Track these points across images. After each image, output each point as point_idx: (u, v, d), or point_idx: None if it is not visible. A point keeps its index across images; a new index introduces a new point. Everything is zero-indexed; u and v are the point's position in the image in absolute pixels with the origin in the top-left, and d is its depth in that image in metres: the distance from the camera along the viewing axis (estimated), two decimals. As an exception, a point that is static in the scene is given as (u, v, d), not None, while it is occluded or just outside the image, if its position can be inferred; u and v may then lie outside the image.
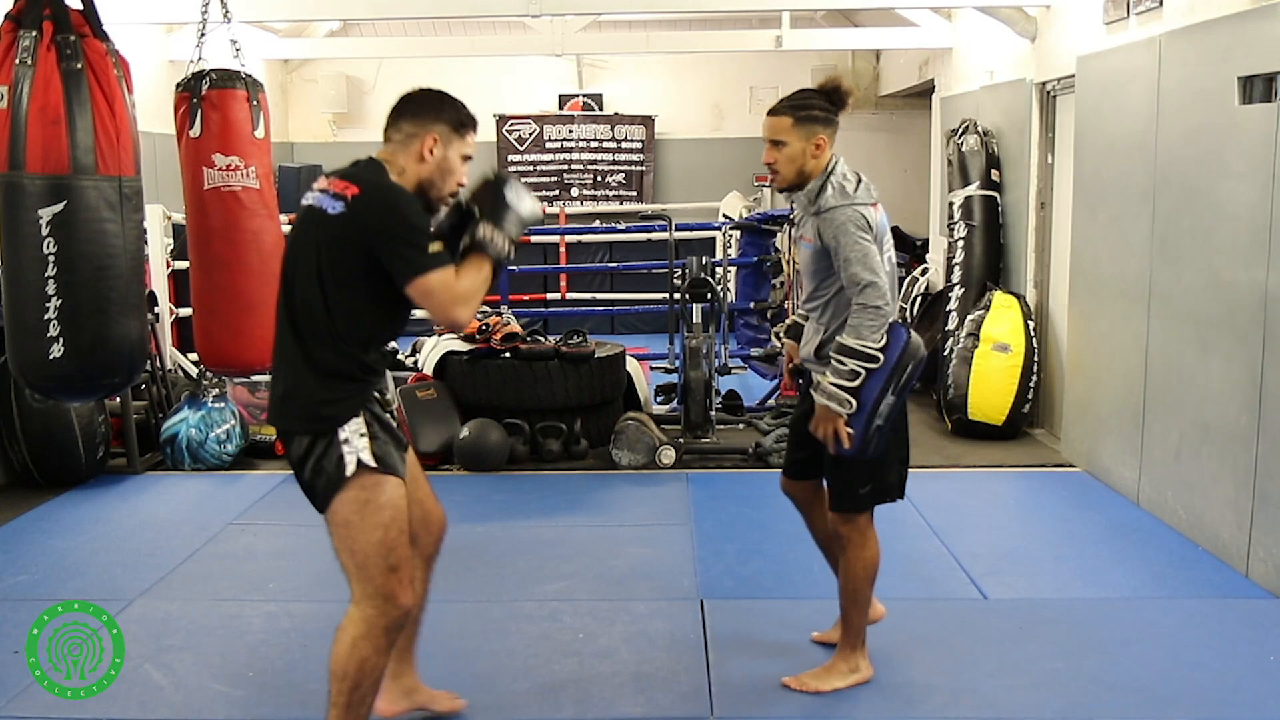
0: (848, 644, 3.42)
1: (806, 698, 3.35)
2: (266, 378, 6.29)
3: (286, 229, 3.06)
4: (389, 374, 2.89)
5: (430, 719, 3.24)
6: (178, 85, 4.23)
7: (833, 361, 3.12)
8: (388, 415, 2.85)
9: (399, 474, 2.74)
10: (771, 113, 3.25)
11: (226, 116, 4.16)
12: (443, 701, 3.28)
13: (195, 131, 4.15)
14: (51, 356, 3.48)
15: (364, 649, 2.70)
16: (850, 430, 3.11)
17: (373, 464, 2.68)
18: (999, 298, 6.70)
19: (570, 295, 10.44)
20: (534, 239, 9.92)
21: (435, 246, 2.64)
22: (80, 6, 3.52)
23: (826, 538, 3.55)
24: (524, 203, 2.81)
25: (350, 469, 2.66)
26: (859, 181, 3.21)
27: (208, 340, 4.32)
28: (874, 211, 3.19)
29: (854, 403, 3.09)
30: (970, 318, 6.76)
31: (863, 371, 3.09)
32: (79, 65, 3.40)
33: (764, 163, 3.27)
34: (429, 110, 2.76)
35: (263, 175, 4.23)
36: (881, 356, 3.08)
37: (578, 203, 11.64)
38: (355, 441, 2.67)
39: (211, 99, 4.14)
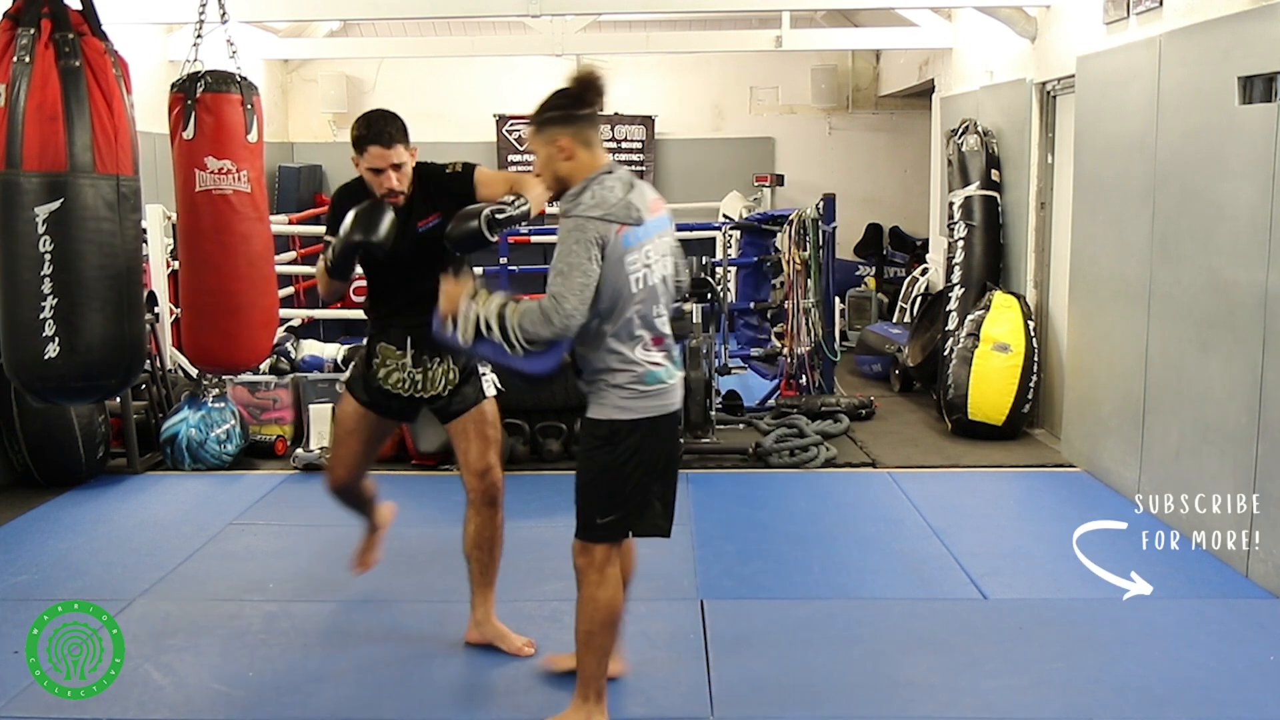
0: (580, 693, 3.13)
1: (806, 699, 3.34)
2: (266, 378, 6.34)
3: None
4: (408, 339, 3.56)
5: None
6: (173, 85, 4.22)
7: (490, 318, 2.97)
8: (391, 369, 3.58)
9: (355, 397, 3.67)
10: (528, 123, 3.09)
11: (220, 120, 4.13)
12: (511, 642, 3.63)
13: (188, 133, 4.13)
14: (47, 357, 3.46)
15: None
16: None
17: (340, 387, 3.76)
18: (999, 298, 6.70)
19: (570, 295, 10.39)
20: (534, 239, 9.89)
21: (329, 236, 3.55)
22: (79, 5, 3.51)
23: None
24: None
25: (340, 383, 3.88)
26: (625, 194, 2.96)
27: (195, 340, 4.33)
28: (615, 229, 2.93)
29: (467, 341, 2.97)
30: (970, 318, 6.76)
31: (493, 335, 2.94)
32: (77, 63, 3.39)
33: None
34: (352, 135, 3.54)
35: (254, 179, 4.21)
36: (517, 352, 2.93)
37: (578, 203, 11.63)
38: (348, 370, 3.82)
39: (206, 102, 4.11)
